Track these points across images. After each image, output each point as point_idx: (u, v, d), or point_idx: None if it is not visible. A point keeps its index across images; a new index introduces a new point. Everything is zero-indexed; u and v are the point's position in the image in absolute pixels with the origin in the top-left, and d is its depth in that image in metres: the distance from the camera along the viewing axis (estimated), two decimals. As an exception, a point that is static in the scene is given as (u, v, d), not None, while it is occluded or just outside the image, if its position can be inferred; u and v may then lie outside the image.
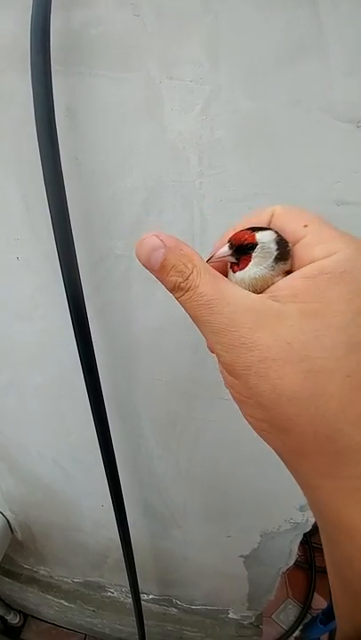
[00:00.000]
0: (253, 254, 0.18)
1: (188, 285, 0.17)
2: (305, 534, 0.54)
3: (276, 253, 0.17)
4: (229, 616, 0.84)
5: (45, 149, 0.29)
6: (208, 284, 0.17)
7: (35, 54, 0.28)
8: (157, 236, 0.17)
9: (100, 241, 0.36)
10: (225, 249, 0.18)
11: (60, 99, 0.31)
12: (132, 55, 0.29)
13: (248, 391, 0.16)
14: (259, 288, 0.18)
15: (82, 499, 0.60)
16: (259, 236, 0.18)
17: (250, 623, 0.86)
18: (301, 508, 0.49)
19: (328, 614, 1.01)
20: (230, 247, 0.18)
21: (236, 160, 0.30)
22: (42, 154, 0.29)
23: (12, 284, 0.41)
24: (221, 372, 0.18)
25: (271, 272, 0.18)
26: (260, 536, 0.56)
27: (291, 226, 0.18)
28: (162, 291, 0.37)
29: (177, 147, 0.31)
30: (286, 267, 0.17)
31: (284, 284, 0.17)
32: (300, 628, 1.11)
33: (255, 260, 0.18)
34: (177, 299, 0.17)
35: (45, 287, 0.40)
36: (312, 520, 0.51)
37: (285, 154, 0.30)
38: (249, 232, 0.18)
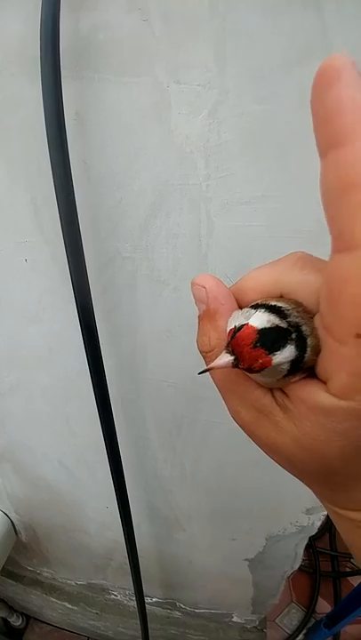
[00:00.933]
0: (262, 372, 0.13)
1: (208, 361, 0.15)
2: (310, 538, 0.54)
3: (286, 372, 0.13)
4: (233, 620, 0.84)
5: (55, 154, 0.30)
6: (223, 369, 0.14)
7: (45, 59, 0.28)
8: (205, 287, 0.15)
9: (107, 243, 0.36)
10: (227, 359, 0.13)
11: (69, 103, 0.31)
12: (140, 60, 0.30)
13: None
14: (280, 387, 0.14)
15: (87, 500, 0.60)
16: (276, 360, 0.12)
17: (254, 627, 0.85)
18: (308, 511, 0.49)
19: (332, 619, 1.00)
20: (235, 364, 0.13)
21: (243, 163, 0.31)
22: (52, 158, 0.30)
23: (19, 286, 0.41)
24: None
25: (285, 380, 0.13)
26: (266, 539, 0.56)
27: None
28: (168, 292, 0.37)
29: (184, 150, 0.31)
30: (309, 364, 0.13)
31: (294, 394, 0.14)
32: (304, 632, 1.10)
33: (263, 374, 0.13)
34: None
35: (53, 289, 0.40)
36: (318, 523, 0.51)
37: (293, 156, 0.30)
38: (264, 352, 0.12)
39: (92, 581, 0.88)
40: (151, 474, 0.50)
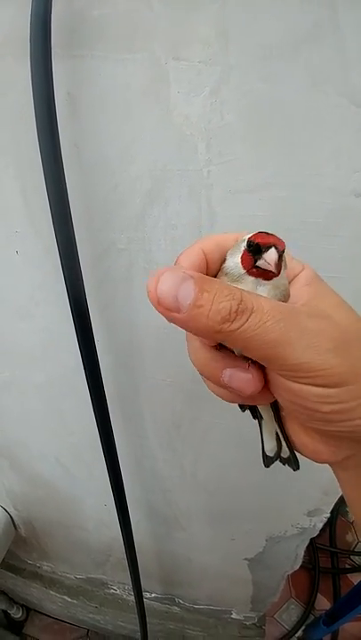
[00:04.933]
0: (283, 259, 0.17)
1: (250, 306, 0.14)
2: (311, 537, 0.53)
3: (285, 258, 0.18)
4: (232, 616, 0.84)
5: (44, 137, 0.27)
6: (267, 300, 0.15)
7: (35, 38, 0.26)
8: (179, 269, 0.15)
9: (101, 234, 0.34)
10: (276, 255, 0.16)
11: (61, 83, 0.29)
12: (137, 35, 0.27)
13: None
14: (285, 298, 0.18)
15: (84, 498, 0.59)
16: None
17: (253, 624, 0.85)
18: (310, 513, 0.48)
19: (331, 615, 1.00)
20: (278, 252, 0.16)
21: (248, 147, 0.28)
22: (41, 143, 0.28)
23: (11, 280, 0.40)
24: (321, 399, 0.15)
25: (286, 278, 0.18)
26: (266, 540, 0.55)
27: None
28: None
29: (184, 133, 0.29)
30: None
31: (296, 295, 0.18)
32: (303, 628, 1.11)
33: (283, 265, 0.17)
34: (235, 332, 0.14)
35: (46, 283, 0.39)
36: (320, 525, 0.50)
37: (300, 140, 0.28)
38: (272, 235, 0.17)
39: (92, 576, 0.88)
40: (150, 473, 0.49)
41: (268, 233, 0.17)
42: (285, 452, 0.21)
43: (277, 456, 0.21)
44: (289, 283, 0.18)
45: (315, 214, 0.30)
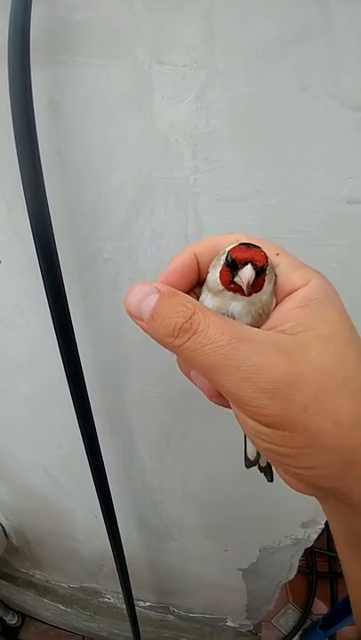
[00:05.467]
0: (267, 273, 0.16)
1: (194, 327, 0.14)
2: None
3: (275, 274, 0.16)
4: (227, 624, 0.83)
5: (22, 143, 0.26)
6: (220, 322, 0.15)
7: (13, 43, 0.25)
8: (150, 284, 0.16)
9: (86, 244, 0.33)
10: (252, 272, 0.15)
11: (42, 89, 0.28)
12: (119, 39, 0.27)
13: (308, 439, 0.14)
14: (264, 315, 0.16)
15: (75, 509, 0.58)
16: (266, 252, 0.16)
17: (248, 631, 0.84)
18: (304, 525, 0.47)
19: (328, 620, 0.99)
20: (255, 269, 0.15)
21: (235, 153, 0.27)
22: (18, 148, 0.26)
23: (-6, 289, 0.38)
24: (258, 434, 0.15)
25: (271, 294, 0.17)
26: (260, 551, 0.54)
27: (267, 250, 0.16)
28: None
29: (168, 139, 0.28)
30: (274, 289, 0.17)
31: (283, 316, 0.16)
32: (300, 633, 1.10)
33: (267, 279, 0.16)
34: (177, 348, 0.15)
35: (31, 292, 0.37)
36: (314, 536, 0.49)
37: (290, 146, 0.27)
38: (255, 249, 0.16)
39: (85, 585, 0.87)
40: (139, 485, 0.48)
41: (249, 245, 0.16)
42: (264, 462, 0.21)
43: (257, 461, 0.22)
44: (282, 299, 0.17)
45: (306, 223, 0.29)
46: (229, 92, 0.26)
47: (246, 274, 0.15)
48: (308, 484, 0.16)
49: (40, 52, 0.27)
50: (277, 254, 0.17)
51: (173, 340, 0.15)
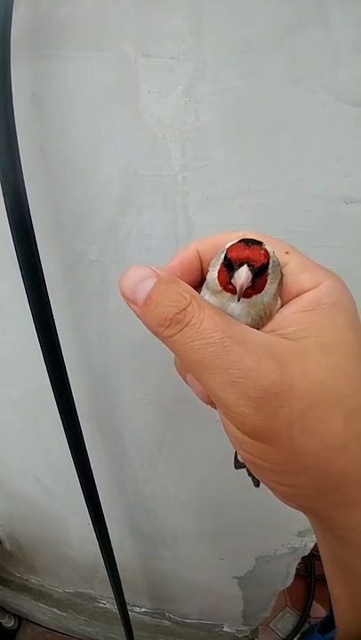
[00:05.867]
0: (269, 272, 0.15)
1: (187, 319, 0.14)
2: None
3: (280, 273, 0.15)
4: (224, 629, 0.81)
5: (1, 138, 0.25)
6: (215, 318, 0.14)
7: None
8: (148, 267, 0.15)
9: (72, 245, 0.32)
10: (248, 273, 0.14)
11: (25, 85, 0.27)
12: (104, 32, 0.25)
13: (288, 456, 0.13)
14: (265, 317, 0.15)
15: (67, 516, 0.57)
16: (269, 249, 0.15)
17: (245, 637, 0.83)
18: (300, 534, 0.46)
19: (326, 623, 0.98)
20: (252, 270, 0.14)
21: (226, 150, 0.26)
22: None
23: (-22, 292, 0.37)
24: (238, 441, 0.14)
25: (275, 295, 0.15)
26: (256, 559, 0.52)
27: (275, 248, 0.15)
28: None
29: (156, 135, 0.26)
30: (279, 289, 0.15)
31: (286, 319, 0.14)
32: (298, 636, 1.09)
33: (269, 279, 0.15)
34: (167, 339, 0.14)
35: (15, 295, 0.36)
36: (311, 544, 0.48)
37: (284, 142, 0.25)
38: (254, 247, 0.14)
39: (80, 590, 0.85)
40: (132, 493, 0.47)
41: (248, 242, 0.15)
42: None
43: (245, 464, 0.21)
44: (288, 301, 0.15)
45: (301, 223, 0.28)
46: (219, 85, 0.25)
47: (241, 276, 0.14)
48: (286, 498, 0.15)
49: (23, 46, 0.26)
50: (287, 252, 0.16)
51: (164, 329, 0.14)
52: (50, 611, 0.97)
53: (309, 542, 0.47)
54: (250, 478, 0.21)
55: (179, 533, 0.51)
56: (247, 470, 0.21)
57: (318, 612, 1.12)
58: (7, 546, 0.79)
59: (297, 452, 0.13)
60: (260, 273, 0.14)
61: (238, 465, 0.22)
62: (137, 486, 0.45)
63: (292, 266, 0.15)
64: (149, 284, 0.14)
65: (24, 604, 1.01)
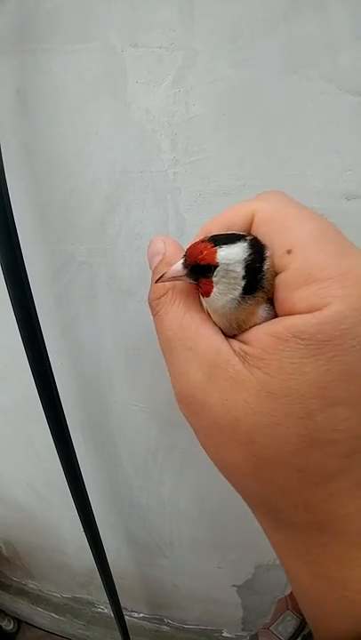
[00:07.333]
0: (214, 279, 0.13)
1: (157, 309, 0.15)
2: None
3: (243, 283, 0.13)
4: (223, 635, 0.80)
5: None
6: (177, 316, 0.14)
7: None
8: (164, 242, 0.17)
9: (59, 245, 0.30)
10: (178, 266, 0.14)
11: (9, 81, 0.26)
12: (90, 22, 0.24)
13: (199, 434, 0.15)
14: (233, 328, 0.14)
15: (61, 523, 0.55)
16: (222, 253, 0.13)
17: (246, 642, 0.82)
18: (300, 543, 0.44)
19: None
20: (185, 265, 0.14)
21: (219, 144, 0.24)
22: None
23: None
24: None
25: (247, 304, 0.13)
26: (255, 568, 0.51)
27: (276, 242, 0.13)
28: (134, 304, 0.31)
29: (144, 128, 0.25)
30: (269, 293, 0.13)
31: (256, 336, 0.12)
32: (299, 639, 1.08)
33: (219, 286, 0.13)
34: (156, 314, 0.16)
35: (2, 298, 0.34)
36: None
37: (281, 135, 0.24)
38: (210, 245, 0.13)
39: (77, 595, 0.84)
40: (126, 502, 0.45)
41: (215, 239, 0.13)
42: None
43: None
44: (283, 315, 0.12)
45: (299, 222, 0.26)
46: (211, 74, 0.23)
47: (173, 268, 0.14)
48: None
49: (7, 42, 0.25)
50: (289, 251, 0.12)
51: (152, 307, 0.16)
52: (48, 615, 0.96)
53: (310, 551, 0.45)
54: None
55: (175, 542, 0.50)
56: None
57: (320, 615, 1.11)
58: (4, 551, 0.78)
59: (203, 446, 0.15)
60: (203, 273, 0.13)
61: None
62: (131, 495, 0.44)
63: (290, 274, 0.12)
64: (156, 260, 0.16)
65: (23, 607, 1.00)
